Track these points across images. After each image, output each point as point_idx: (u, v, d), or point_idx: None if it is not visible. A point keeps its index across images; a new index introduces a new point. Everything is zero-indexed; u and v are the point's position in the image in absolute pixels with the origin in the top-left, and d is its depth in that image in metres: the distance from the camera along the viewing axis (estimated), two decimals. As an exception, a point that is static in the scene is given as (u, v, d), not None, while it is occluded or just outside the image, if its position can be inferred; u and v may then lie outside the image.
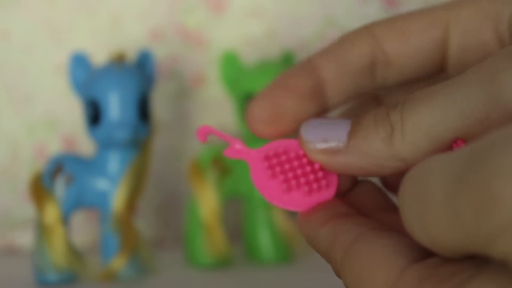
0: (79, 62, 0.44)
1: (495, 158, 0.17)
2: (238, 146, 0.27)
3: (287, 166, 0.26)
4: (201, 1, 0.52)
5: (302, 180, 0.26)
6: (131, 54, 0.51)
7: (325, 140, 0.25)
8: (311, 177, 0.26)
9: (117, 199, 0.43)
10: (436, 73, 0.28)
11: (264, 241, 0.46)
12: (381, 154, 0.24)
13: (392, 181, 0.28)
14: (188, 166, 0.46)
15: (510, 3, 0.26)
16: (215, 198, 0.45)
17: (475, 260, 0.20)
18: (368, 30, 0.27)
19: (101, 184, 0.43)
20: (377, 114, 0.24)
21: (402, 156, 0.24)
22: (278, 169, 0.26)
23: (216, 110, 0.53)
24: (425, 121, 0.23)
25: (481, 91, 0.22)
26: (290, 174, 0.26)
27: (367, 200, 0.27)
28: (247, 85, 0.45)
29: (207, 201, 0.44)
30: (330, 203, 0.26)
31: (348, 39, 0.28)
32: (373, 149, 0.24)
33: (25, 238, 0.52)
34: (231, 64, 0.47)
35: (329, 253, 0.24)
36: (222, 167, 0.45)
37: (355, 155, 0.24)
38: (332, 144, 0.25)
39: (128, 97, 0.42)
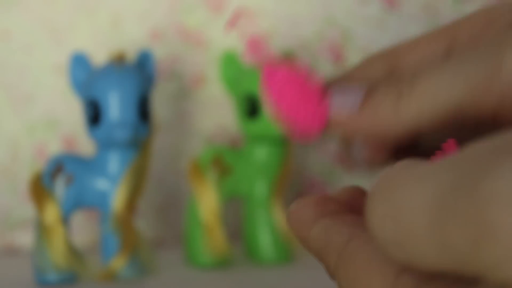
0: (79, 62, 0.44)
1: (488, 180, 0.16)
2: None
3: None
4: (201, 1, 0.52)
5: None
6: (131, 54, 0.51)
7: (341, 105, 0.26)
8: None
9: (117, 199, 0.43)
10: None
11: (264, 241, 0.46)
12: (389, 118, 0.25)
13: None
14: (188, 166, 0.46)
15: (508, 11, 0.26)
16: (215, 198, 0.45)
17: None
18: None
19: (101, 184, 0.43)
20: (390, 80, 0.25)
21: (406, 120, 0.25)
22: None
23: (216, 110, 0.53)
24: (432, 88, 0.24)
25: (485, 63, 0.23)
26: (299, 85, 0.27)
27: (355, 204, 0.27)
28: (247, 85, 0.45)
29: (207, 201, 0.44)
30: (320, 200, 0.26)
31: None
32: (382, 113, 0.25)
33: (25, 238, 0.52)
34: (231, 64, 0.47)
35: (322, 256, 0.24)
36: (222, 167, 0.45)
37: (365, 119, 0.26)
38: (347, 109, 0.26)
39: (128, 97, 0.42)
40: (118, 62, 0.43)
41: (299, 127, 0.27)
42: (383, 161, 0.29)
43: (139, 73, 0.43)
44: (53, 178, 0.42)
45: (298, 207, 0.26)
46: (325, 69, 0.52)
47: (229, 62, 0.47)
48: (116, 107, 0.42)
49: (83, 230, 0.52)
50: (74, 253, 0.42)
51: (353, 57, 0.52)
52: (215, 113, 0.53)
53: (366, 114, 0.26)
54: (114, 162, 0.43)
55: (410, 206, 0.18)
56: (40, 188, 0.42)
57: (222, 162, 0.45)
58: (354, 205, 0.27)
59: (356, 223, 0.24)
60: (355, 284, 0.22)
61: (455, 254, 0.17)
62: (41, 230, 0.42)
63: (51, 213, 0.42)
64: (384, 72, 0.28)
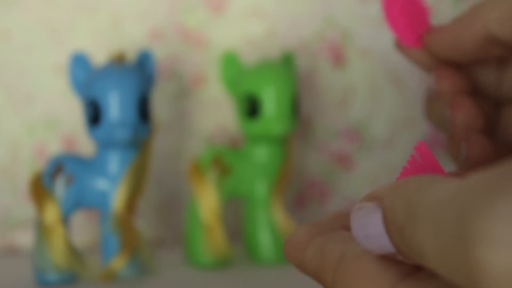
0: (79, 62, 0.44)
1: (478, 221, 0.17)
2: None
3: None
4: (201, 1, 0.52)
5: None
6: (131, 54, 0.51)
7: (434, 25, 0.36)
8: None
9: (117, 199, 0.43)
10: None
11: (264, 241, 0.46)
12: (466, 21, 0.33)
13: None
14: (188, 166, 0.46)
15: None
16: (215, 198, 0.45)
17: None
18: None
19: (101, 184, 0.43)
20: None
21: (468, 37, 0.33)
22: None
23: (216, 110, 0.53)
24: (477, 16, 0.33)
25: None
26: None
27: (346, 222, 0.27)
28: (247, 85, 0.45)
29: (207, 201, 0.45)
30: (313, 224, 0.26)
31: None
32: (460, 17, 0.34)
33: (25, 238, 0.52)
34: (231, 64, 0.47)
35: (319, 274, 0.24)
36: (222, 167, 0.45)
37: (447, 34, 0.35)
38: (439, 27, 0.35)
39: (128, 97, 0.42)
40: (118, 62, 0.43)
41: (402, 35, 0.35)
42: (458, 84, 0.36)
43: (139, 73, 0.43)
44: (53, 178, 0.42)
45: (293, 234, 0.26)
46: (325, 69, 0.52)
47: (229, 62, 0.47)
48: (116, 107, 0.42)
49: (83, 230, 0.52)
50: (74, 253, 0.42)
51: (353, 57, 0.52)
52: (215, 113, 0.53)
53: (448, 29, 0.35)
54: (114, 162, 0.43)
55: (424, 236, 0.19)
56: (40, 188, 0.42)
57: (222, 162, 0.45)
58: (345, 223, 0.27)
59: (348, 238, 0.24)
60: None
61: (462, 279, 0.18)
62: (41, 230, 0.42)
63: (51, 213, 0.42)
64: None
